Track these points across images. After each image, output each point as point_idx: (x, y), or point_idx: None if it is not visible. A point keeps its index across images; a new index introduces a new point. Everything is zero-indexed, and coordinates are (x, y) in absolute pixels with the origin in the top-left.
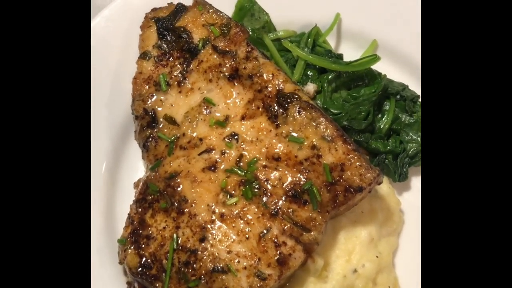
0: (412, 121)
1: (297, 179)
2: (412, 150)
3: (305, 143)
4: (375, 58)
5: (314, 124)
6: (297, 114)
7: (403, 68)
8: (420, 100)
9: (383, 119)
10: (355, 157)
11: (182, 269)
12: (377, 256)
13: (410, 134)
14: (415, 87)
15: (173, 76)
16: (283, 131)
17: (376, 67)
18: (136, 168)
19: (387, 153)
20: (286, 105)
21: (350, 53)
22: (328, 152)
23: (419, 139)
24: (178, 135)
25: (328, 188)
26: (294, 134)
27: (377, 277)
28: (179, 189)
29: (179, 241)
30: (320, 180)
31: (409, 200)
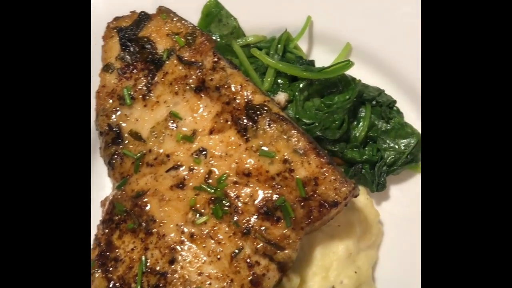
0: (389, 127)
1: (269, 195)
2: (390, 158)
3: (277, 157)
4: (348, 64)
5: (286, 137)
6: (267, 127)
7: (378, 71)
8: (396, 105)
9: (359, 126)
10: (329, 171)
11: None
12: (355, 272)
13: (387, 141)
14: (392, 91)
15: (137, 89)
16: (253, 145)
17: (350, 72)
18: (103, 185)
19: (364, 162)
20: (256, 118)
21: (323, 57)
22: (300, 166)
23: (396, 146)
24: (144, 151)
25: (302, 203)
26: (265, 148)
27: None
28: (146, 208)
29: (148, 263)
30: (293, 195)
31: (388, 210)
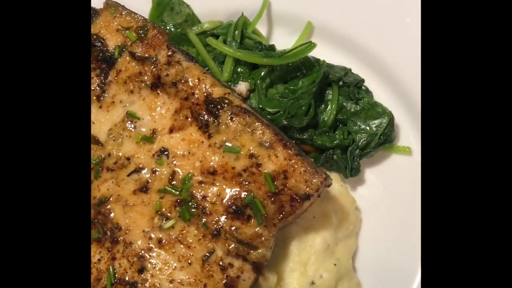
0: (358, 108)
1: (237, 192)
2: (362, 140)
3: (242, 152)
4: (310, 46)
5: (250, 130)
6: (230, 121)
7: (343, 50)
8: (365, 84)
9: (327, 110)
10: (298, 162)
11: None
12: (335, 264)
13: (358, 123)
14: (359, 69)
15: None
16: (217, 141)
17: (314, 52)
18: None
19: (335, 147)
20: (217, 112)
21: (285, 39)
22: (268, 160)
23: (368, 128)
24: (103, 155)
25: (272, 199)
26: (229, 144)
27: (337, 286)
28: (110, 215)
29: (117, 274)
30: (262, 191)
31: (364, 195)
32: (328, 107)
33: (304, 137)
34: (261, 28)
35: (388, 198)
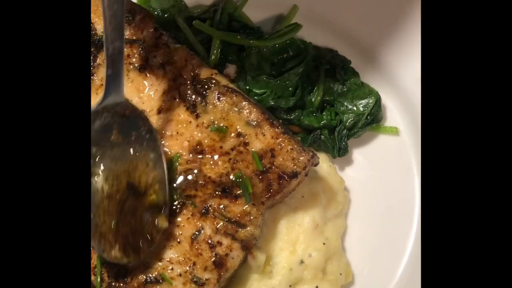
0: (345, 89)
1: (225, 171)
2: (349, 121)
3: (230, 131)
4: (296, 27)
5: (237, 109)
6: (217, 100)
7: (329, 32)
8: (351, 65)
9: (314, 91)
10: (285, 141)
11: (113, 283)
12: (324, 243)
13: (345, 103)
14: (344, 51)
15: None
16: (204, 121)
17: (300, 35)
18: None
19: (322, 128)
20: (204, 92)
21: (270, 23)
22: (255, 139)
23: (355, 108)
24: None
25: (260, 177)
26: (216, 123)
27: (326, 266)
28: None
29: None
30: (250, 169)
31: (352, 176)
32: (315, 88)
33: (291, 117)
34: (248, 12)
35: (376, 178)
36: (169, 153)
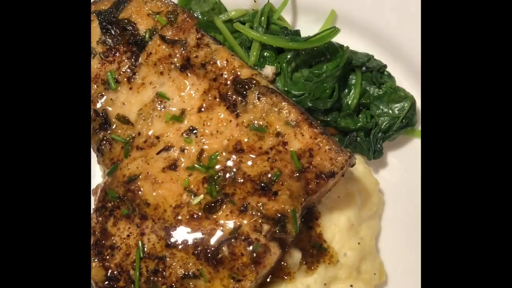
0: (381, 93)
1: (264, 170)
2: (384, 123)
3: (269, 131)
4: (334, 31)
5: (276, 109)
6: (257, 100)
7: (366, 37)
8: (387, 70)
9: (350, 94)
10: (323, 141)
11: (152, 278)
12: (359, 243)
13: (381, 107)
14: (381, 56)
15: (121, 73)
16: (244, 120)
17: (337, 39)
18: (93, 173)
19: (358, 130)
20: (245, 92)
21: (308, 27)
22: (294, 138)
23: (390, 111)
24: (133, 134)
25: (298, 176)
26: (256, 123)
27: (361, 265)
28: (140, 192)
29: (146, 249)
30: (288, 169)
31: (387, 178)
32: (352, 91)
33: (328, 119)
34: (286, 15)
35: (409, 181)
36: (209, 151)
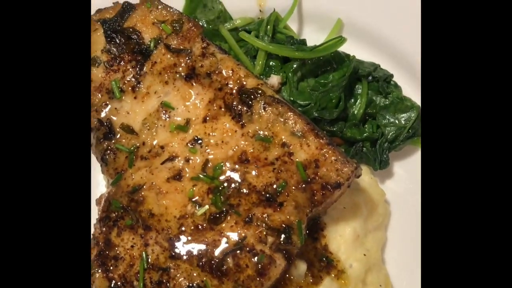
0: (387, 102)
1: (270, 181)
2: (391, 134)
3: (274, 141)
4: (341, 40)
5: (282, 120)
6: (263, 110)
7: (372, 46)
8: (394, 79)
9: (356, 104)
10: (329, 152)
11: None
12: (364, 254)
13: (387, 117)
14: (387, 65)
15: (126, 82)
16: (250, 131)
17: (344, 48)
18: (97, 182)
19: (364, 140)
20: (250, 102)
21: (314, 36)
22: (300, 149)
23: (397, 121)
24: (138, 144)
25: (304, 187)
26: (262, 133)
27: (366, 277)
28: (144, 203)
29: (149, 260)
30: (294, 179)
31: (393, 189)
32: (358, 100)
33: (334, 129)
34: (292, 24)
35: (416, 191)
36: (214, 161)
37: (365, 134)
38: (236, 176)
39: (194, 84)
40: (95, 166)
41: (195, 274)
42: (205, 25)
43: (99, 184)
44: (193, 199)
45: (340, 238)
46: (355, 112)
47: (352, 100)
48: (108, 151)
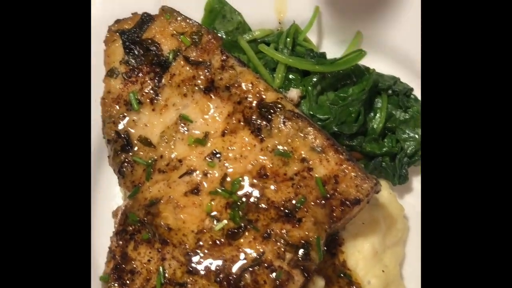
0: (407, 117)
1: (288, 196)
2: (410, 148)
3: (294, 156)
4: (360, 54)
5: (302, 134)
6: (282, 125)
7: (392, 59)
8: (414, 93)
9: (376, 118)
10: (349, 167)
11: None
12: (383, 270)
13: (407, 131)
14: (408, 79)
15: (144, 93)
16: (269, 145)
17: (363, 61)
18: (113, 194)
19: (384, 155)
20: (269, 116)
21: (334, 48)
22: (319, 164)
23: (417, 136)
24: (155, 157)
25: (323, 203)
26: (281, 148)
27: None
28: (161, 216)
29: (166, 274)
30: (313, 195)
31: (412, 204)
32: (377, 115)
33: (354, 144)
34: (312, 36)
35: None
36: (233, 175)
37: (384, 149)
38: (254, 191)
39: (213, 97)
40: (112, 178)
41: None
42: (223, 36)
43: (116, 196)
44: (211, 214)
45: (359, 254)
46: (375, 126)
47: (372, 114)
48: (126, 164)
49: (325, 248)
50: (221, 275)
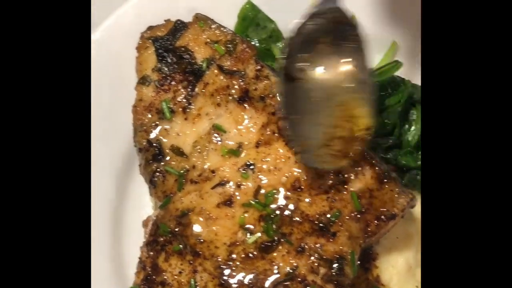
0: None
1: (323, 210)
2: None
3: (329, 169)
4: (397, 65)
5: None
6: None
7: None
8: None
9: (411, 130)
10: (385, 181)
11: None
12: (417, 286)
13: None
14: None
15: (177, 102)
16: None
17: (398, 72)
18: (143, 204)
19: (419, 168)
20: None
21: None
22: (355, 178)
23: None
24: (188, 167)
25: (358, 217)
26: None
27: None
28: (193, 228)
29: (198, 287)
30: (348, 209)
31: None
32: (413, 127)
33: (389, 156)
34: None
35: None
36: (266, 187)
37: (419, 162)
38: (288, 204)
39: (247, 107)
40: (142, 187)
41: None
42: (257, 44)
43: (146, 206)
44: (244, 226)
45: (393, 269)
46: (409, 138)
47: (407, 126)
48: (157, 173)
49: (359, 262)
50: None
